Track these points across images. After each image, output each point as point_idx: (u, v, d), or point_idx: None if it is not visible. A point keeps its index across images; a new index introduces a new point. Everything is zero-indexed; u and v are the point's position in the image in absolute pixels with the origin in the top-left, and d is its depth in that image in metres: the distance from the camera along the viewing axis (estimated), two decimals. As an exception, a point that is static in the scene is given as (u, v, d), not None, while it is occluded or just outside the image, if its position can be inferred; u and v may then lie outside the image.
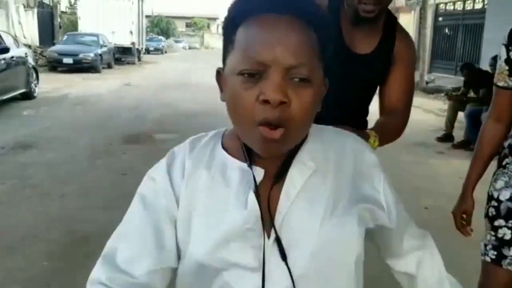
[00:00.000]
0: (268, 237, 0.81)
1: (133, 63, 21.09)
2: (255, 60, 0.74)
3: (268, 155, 0.81)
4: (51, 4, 21.47)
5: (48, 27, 20.91)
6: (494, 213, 1.69)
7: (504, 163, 1.67)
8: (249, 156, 0.84)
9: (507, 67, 1.63)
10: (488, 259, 1.70)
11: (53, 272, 2.73)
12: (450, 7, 16.50)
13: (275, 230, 0.81)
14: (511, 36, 1.61)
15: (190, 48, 50.34)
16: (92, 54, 16.05)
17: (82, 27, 20.40)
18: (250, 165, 0.83)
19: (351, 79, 1.71)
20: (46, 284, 2.60)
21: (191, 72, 18.17)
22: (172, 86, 12.81)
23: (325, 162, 0.87)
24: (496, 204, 1.68)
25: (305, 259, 0.81)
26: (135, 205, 0.87)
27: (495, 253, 1.68)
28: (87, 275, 0.83)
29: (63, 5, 27.24)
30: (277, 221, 0.82)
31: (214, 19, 65.96)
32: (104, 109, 8.78)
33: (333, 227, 0.82)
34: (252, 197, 0.82)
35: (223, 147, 0.88)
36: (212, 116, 6.57)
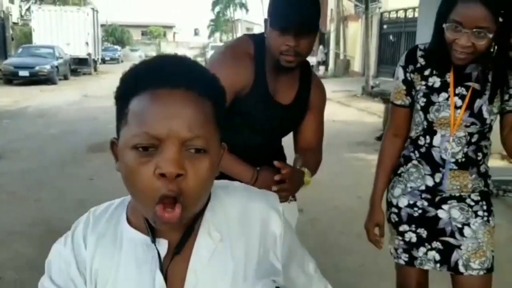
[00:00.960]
0: None
1: (90, 74, 21.13)
2: (150, 134, 0.74)
3: (167, 231, 0.82)
4: (2, 16, 21.11)
5: (0, 39, 20.68)
6: (396, 219, 1.78)
7: (399, 171, 1.77)
8: (151, 228, 0.82)
9: (404, 87, 1.71)
10: (402, 262, 1.79)
11: (37, 260, 3.17)
12: (393, 15, 17.56)
13: None
14: (408, 58, 1.72)
15: (146, 56, 49.87)
16: (48, 66, 16.15)
17: (37, 39, 20.31)
18: (153, 241, 0.82)
19: (272, 127, 1.78)
20: (35, 269, 3.05)
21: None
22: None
23: (230, 230, 0.87)
24: (396, 210, 1.77)
25: None
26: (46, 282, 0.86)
27: (407, 255, 1.77)
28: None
29: (14, 16, 26.82)
30: None
31: (171, 27, 65.77)
32: (65, 121, 9.07)
33: None
34: (159, 277, 0.81)
35: (128, 219, 0.87)
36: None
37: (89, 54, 21.02)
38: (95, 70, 22.48)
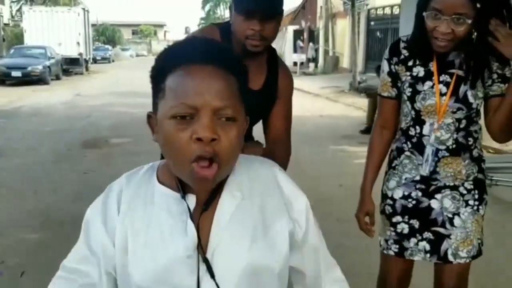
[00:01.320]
0: (203, 260, 0.91)
1: (81, 74, 21.19)
2: (187, 105, 0.84)
3: (201, 190, 0.92)
4: None
5: None
6: (390, 210, 1.78)
7: (393, 164, 1.78)
8: (182, 185, 0.92)
9: (390, 79, 1.74)
10: (391, 252, 1.79)
11: (39, 248, 3.40)
12: (380, 12, 17.85)
13: (204, 254, 0.91)
14: (391, 50, 1.74)
15: (137, 55, 49.77)
16: (40, 67, 16.25)
17: (28, 39, 20.34)
18: (183, 196, 0.92)
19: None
20: (34, 255, 3.28)
21: (140, 80, 18.42)
22: (122, 94, 13.31)
23: (251, 192, 0.97)
24: (391, 202, 1.78)
25: (235, 276, 0.91)
26: (80, 242, 0.97)
27: (397, 246, 1.78)
28: (65, 249, 1.02)
29: (5, 17, 26.80)
30: (210, 247, 0.92)
31: (161, 26, 65.59)
32: (59, 119, 9.26)
33: (259, 251, 0.93)
34: (191, 226, 0.91)
35: (158, 180, 0.96)
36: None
37: (80, 54, 21.09)
38: (87, 69, 22.54)
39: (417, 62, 1.68)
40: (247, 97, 1.77)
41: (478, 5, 1.46)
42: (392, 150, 1.80)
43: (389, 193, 1.78)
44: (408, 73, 1.69)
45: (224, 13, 47.35)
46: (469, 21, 1.48)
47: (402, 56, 1.71)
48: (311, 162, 5.69)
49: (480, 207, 1.73)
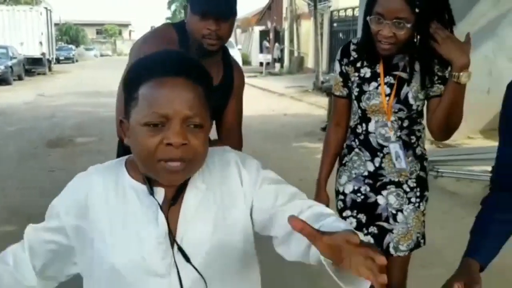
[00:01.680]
0: (172, 248, 0.99)
1: (44, 74, 20.83)
2: (159, 114, 0.92)
3: (170, 184, 0.99)
4: None
5: None
6: (342, 205, 1.87)
7: (344, 161, 1.86)
8: (149, 181, 1.00)
9: (341, 79, 1.82)
10: None
11: (7, 239, 3.50)
12: (342, 13, 18.32)
13: (176, 242, 0.99)
14: (342, 52, 1.81)
15: (102, 55, 49.05)
16: (2, 67, 15.93)
17: (-12, 39, 19.92)
18: (151, 190, 0.99)
19: None
20: (2, 245, 3.39)
21: (104, 80, 18.20)
22: (86, 94, 13.25)
23: (213, 181, 1.05)
24: (342, 197, 1.86)
25: (204, 257, 1.00)
26: (47, 223, 1.05)
27: None
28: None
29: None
30: (178, 236, 0.99)
31: (126, 25, 64.72)
32: (23, 119, 9.20)
33: (221, 234, 1.02)
34: (161, 216, 0.98)
35: (128, 173, 1.03)
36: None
37: (43, 54, 20.69)
38: (50, 70, 22.19)
39: (365, 64, 1.76)
40: None
41: (417, 10, 1.53)
42: (343, 148, 1.88)
43: (341, 189, 1.86)
44: (356, 74, 1.77)
45: (190, 13, 47.05)
46: (409, 25, 1.55)
47: (351, 58, 1.78)
48: (273, 158, 5.93)
49: (421, 203, 1.82)
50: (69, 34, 48.70)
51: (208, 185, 1.04)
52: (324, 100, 11.97)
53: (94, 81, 17.68)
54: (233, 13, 1.72)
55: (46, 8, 22.28)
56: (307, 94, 13.55)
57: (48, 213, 1.05)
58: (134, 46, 1.80)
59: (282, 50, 23.43)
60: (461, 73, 1.55)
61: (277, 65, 22.81)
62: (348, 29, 17.37)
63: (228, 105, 1.89)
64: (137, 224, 0.99)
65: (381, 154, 1.75)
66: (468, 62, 1.56)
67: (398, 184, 1.77)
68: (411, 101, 1.69)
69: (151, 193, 0.99)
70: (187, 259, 0.98)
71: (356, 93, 1.76)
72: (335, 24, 18.76)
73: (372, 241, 1.80)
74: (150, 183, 1.00)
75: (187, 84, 0.95)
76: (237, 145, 1.89)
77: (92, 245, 0.99)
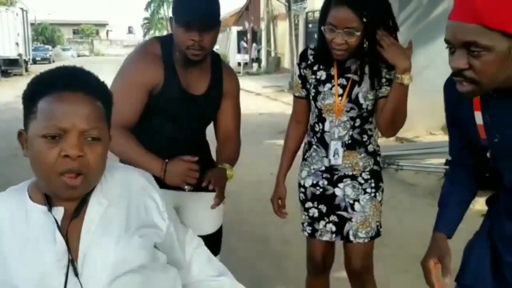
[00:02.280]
0: (70, 262, 1.00)
1: (21, 75, 20.67)
2: (57, 126, 0.97)
3: (70, 198, 1.03)
4: None
5: None
6: (303, 197, 2.00)
7: (305, 156, 1.99)
8: (49, 200, 1.03)
9: (300, 81, 1.94)
10: (306, 234, 2.02)
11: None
12: (317, 15, 18.71)
13: (71, 257, 1.00)
14: (301, 57, 1.94)
15: (79, 56, 48.37)
16: (-22, 68, 15.92)
17: (-37, 40, 19.75)
18: (50, 208, 1.02)
19: (189, 118, 1.87)
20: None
21: (84, 81, 18.38)
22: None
23: (118, 197, 1.09)
24: (303, 190, 1.99)
25: (109, 271, 1.02)
26: None
27: (310, 228, 1.99)
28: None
29: None
30: (81, 250, 1.02)
31: (104, 25, 64.00)
32: (6, 120, 9.23)
33: (123, 248, 1.05)
34: (58, 234, 1.01)
35: (30, 198, 1.05)
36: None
37: (19, 55, 20.57)
38: (27, 70, 21.98)
39: (321, 67, 1.90)
40: (191, 103, 1.83)
41: (365, 20, 1.70)
42: (305, 143, 2.02)
43: (302, 182, 2.00)
44: (313, 76, 1.90)
45: (168, 12, 47.16)
46: (358, 33, 1.71)
47: (309, 62, 1.92)
48: (246, 154, 6.23)
49: (377, 194, 1.95)
50: (45, 35, 48.08)
51: (110, 200, 1.09)
52: (299, 100, 12.40)
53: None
54: (216, 23, 1.77)
55: (22, 8, 22.21)
56: (283, 94, 13.93)
57: None
58: (124, 62, 1.88)
59: (259, 51, 23.75)
60: (404, 75, 1.72)
61: (255, 65, 23.14)
62: (322, 30, 17.75)
63: (222, 108, 1.94)
64: (39, 244, 1.01)
65: (335, 149, 1.90)
66: (409, 65, 1.72)
67: (353, 177, 1.92)
68: (361, 100, 1.84)
69: (50, 209, 1.03)
70: (76, 273, 1.00)
71: (313, 94, 1.91)
72: (310, 25, 19.12)
73: (333, 229, 1.96)
74: (50, 202, 1.04)
75: (85, 99, 1.00)
76: (235, 148, 1.96)
77: None
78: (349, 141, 1.90)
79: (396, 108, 1.80)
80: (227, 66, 2.02)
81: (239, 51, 25.46)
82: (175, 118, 1.87)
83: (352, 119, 1.88)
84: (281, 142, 7.76)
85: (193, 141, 1.93)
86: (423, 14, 6.89)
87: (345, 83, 1.87)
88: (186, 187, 1.70)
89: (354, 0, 1.69)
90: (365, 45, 1.77)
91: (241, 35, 28.00)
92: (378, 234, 1.98)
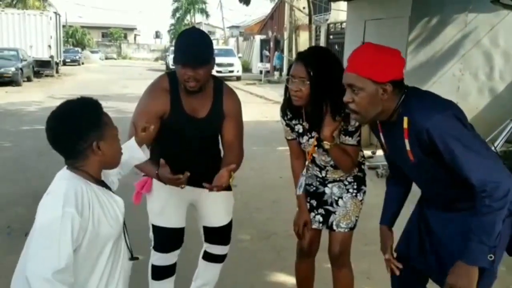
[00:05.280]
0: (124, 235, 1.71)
1: (52, 76, 21.58)
2: None
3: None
4: None
5: None
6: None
7: (306, 167, 2.38)
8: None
9: (288, 128, 2.34)
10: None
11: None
12: (338, 26, 19.08)
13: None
14: (281, 112, 2.33)
15: (107, 58, 49.51)
16: (13, 68, 16.66)
17: (0, 41, 20.59)
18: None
19: (194, 136, 2.29)
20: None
21: (110, 83, 18.90)
22: (93, 97, 13.93)
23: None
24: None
25: None
26: (66, 228, 1.46)
27: None
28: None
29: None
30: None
31: (132, 29, 65.16)
32: (35, 118, 9.83)
33: None
34: (117, 208, 1.66)
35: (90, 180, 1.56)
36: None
37: (51, 57, 21.41)
38: (57, 72, 22.88)
39: (298, 121, 2.28)
40: (195, 124, 2.27)
41: (311, 73, 2.08)
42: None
43: (302, 180, 2.38)
44: (295, 129, 2.31)
45: (193, 19, 47.97)
46: (308, 83, 2.09)
47: (288, 116, 2.31)
48: (258, 159, 6.73)
49: (359, 194, 2.37)
50: (75, 37, 49.32)
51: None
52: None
53: (100, 84, 18.26)
54: (208, 62, 2.15)
55: (55, 12, 23.10)
56: None
57: None
58: (142, 94, 2.36)
59: (281, 59, 24.17)
60: (324, 142, 2.16)
61: (276, 73, 23.55)
62: (343, 41, 18.05)
63: (225, 127, 2.34)
64: (110, 213, 1.65)
65: (325, 168, 2.35)
66: (328, 136, 2.13)
67: (340, 181, 2.37)
68: (326, 146, 2.19)
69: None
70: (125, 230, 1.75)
71: (297, 140, 2.35)
72: (331, 37, 19.47)
73: (320, 219, 2.39)
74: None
75: None
76: (236, 158, 2.30)
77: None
78: (334, 164, 2.30)
79: (336, 161, 2.26)
80: (229, 90, 2.38)
81: (261, 60, 25.94)
82: (183, 136, 2.30)
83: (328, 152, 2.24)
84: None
85: (203, 152, 2.34)
86: (430, 36, 7.25)
87: (313, 134, 2.25)
88: (181, 186, 2.12)
89: (304, 58, 2.12)
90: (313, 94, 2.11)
91: (264, 43, 28.51)
92: (355, 226, 2.39)
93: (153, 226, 2.46)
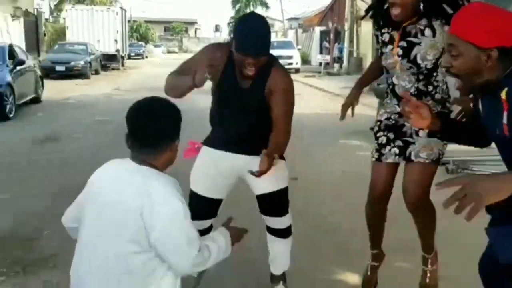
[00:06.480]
0: None
1: (118, 69, 22.43)
2: None
3: None
4: (35, 13, 22.20)
5: (33, 36, 21.45)
6: (377, 129, 2.38)
7: (383, 102, 2.45)
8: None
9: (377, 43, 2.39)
10: (373, 159, 2.37)
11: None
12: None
13: None
14: (373, 20, 2.37)
15: (169, 52, 50.61)
16: (82, 62, 17.40)
17: (70, 36, 21.72)
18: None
19: (237, 106, 2.35)
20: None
21: (172, 77, 19.47)
22: (157, 90, 14.23)
23: None
24: (379, 123, 2.38)
25: None
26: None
27: (377, 154, 2.35)
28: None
29: (46, 13, 28.21)
30: None
31: (192, 23, 66.31)
32: (105, 110, 10.24)
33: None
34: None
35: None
36: (195, 112, 8.30)
37: (117, 51, 22.28)
38: (123, 65, 23.73)
39: (386, 30, 2.26)
40: (238, 94, 2.33)
41: None
42: (385, 92, 2.44)
43: (379, 117, 2.42)
44: (381, 38, 2.30)
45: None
46: None
47: (381, 23, 2.30)
48: (321, 151, 6.62)
49: None
50: (139, 31, 50.84)
51: None
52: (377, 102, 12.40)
53: (163, 77, 18.66)
54: (266, 53, 2.21)
55: (121, 7, 23.98)
56: (362, 95, 13.65)
57: None
58: (203, 48, 2.47)
59: (341, 50, 23.71)
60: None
61: (336, 65, 23.15)
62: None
63: (272, 99, 2.32)
64: None
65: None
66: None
67: None
68: (419, 61, 2.16)
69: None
70: None
71: (379, 54, 2.34)
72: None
73: (397, 151, 2.29)
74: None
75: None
76: (282, 136, 2.30)
77: None
78: (415, 92, 2.20)
79: None
80: (279, 68, 2.37)
81: (321, 51, 25.58)
82: (228, 105, 2.38)
83: (414, 74, 2.19)
84: (353, 142, 8.19)
85: (245, 122, 2.35)
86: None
87: (405, 45, 2.18)
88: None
89: None
90: (421, 7, 2.08)
91: (324, 35, 28.09)
92: (438, 161, 2.22)
93: (190, 190, 2.49)
